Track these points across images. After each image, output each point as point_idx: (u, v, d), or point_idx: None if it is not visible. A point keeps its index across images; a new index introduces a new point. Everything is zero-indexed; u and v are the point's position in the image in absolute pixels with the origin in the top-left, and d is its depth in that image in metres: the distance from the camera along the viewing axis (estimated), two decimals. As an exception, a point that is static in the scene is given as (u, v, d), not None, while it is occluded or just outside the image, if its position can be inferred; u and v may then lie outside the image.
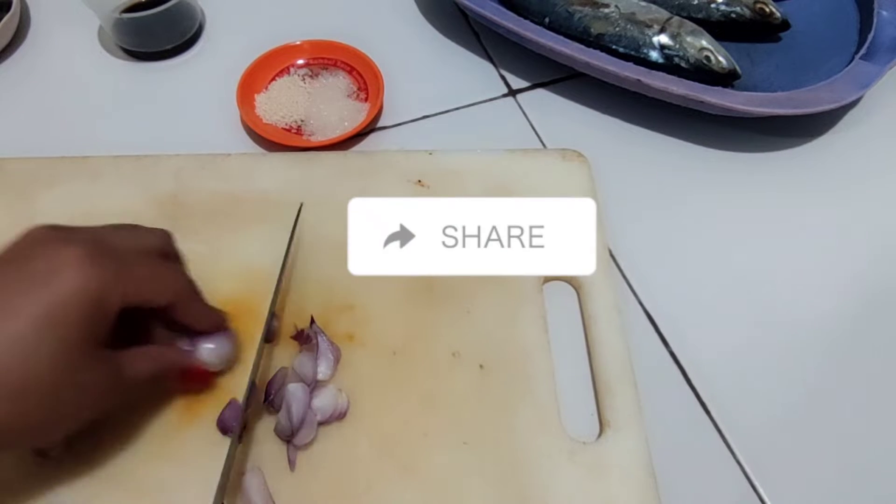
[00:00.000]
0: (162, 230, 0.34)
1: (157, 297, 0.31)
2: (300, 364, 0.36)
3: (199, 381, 0.35)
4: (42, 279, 0.27)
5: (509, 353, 0.37)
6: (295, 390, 0.34)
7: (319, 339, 0.36)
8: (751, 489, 0.35)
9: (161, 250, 0.33)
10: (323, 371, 0.36)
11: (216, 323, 0.34)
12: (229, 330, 0.35)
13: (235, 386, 0.35)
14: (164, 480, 0.33)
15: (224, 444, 0.34)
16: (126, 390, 0.30)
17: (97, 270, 0.28)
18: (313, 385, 0.35)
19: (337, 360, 0.36)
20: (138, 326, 0.32)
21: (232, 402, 0.35)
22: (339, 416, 0.35)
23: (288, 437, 0.34)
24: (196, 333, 0.34)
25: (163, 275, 0.31)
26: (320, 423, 0.35)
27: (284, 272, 0.38)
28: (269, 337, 0.37)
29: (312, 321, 0.37)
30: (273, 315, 0.37)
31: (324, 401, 0.35)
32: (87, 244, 0.28)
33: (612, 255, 0.43)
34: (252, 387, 0.34)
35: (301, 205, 0.41)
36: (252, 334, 0.37)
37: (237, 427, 0.33)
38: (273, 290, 0.37)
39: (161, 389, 0.35)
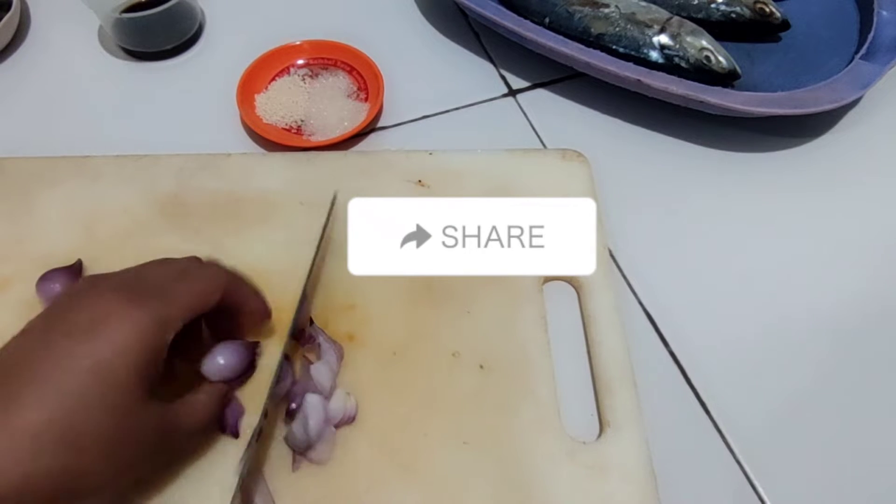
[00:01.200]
0: (191, 256, 0.34)
1: (205, 301, 0.30)
2: (317, 371, 0.35)
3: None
4: (85, 332, 0.26)
5: (509, 353, 0.37)
6: (313, 402, 0.33)
7: (320, 338, 0.36)
8: (750, 489, 0.35)
9: (195, 262, 0.33)
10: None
11: (265, 305, 0.35)
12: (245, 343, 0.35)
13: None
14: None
15: (226, 444, 0.34)
16: (181, 441, 0.29)
17: (142, 311, 0.27)
18: (331, 395, 0.34)
19: (340, 358, 0.36)
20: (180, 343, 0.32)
21: (232, 403, 0.34)
22: (348, 420, 0.34)
23: (302, 450, 0.33)
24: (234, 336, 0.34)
25: (202, 279, 0.31)
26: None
27: (315, 264, 0.38)
28: (296, 333, 0.36)
29: (312, 321, 0.37)
30: (302, 306, 0.36)
31: (333, 405, 0.34)
32: (125, 288, 0.28)
33: (612, 255, 0.43)
34: (277, 384, 0.33)
35: (335, 193, 0.41)
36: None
37: (255, 431, 0.32)
38: (304, 281, 0.37)
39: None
